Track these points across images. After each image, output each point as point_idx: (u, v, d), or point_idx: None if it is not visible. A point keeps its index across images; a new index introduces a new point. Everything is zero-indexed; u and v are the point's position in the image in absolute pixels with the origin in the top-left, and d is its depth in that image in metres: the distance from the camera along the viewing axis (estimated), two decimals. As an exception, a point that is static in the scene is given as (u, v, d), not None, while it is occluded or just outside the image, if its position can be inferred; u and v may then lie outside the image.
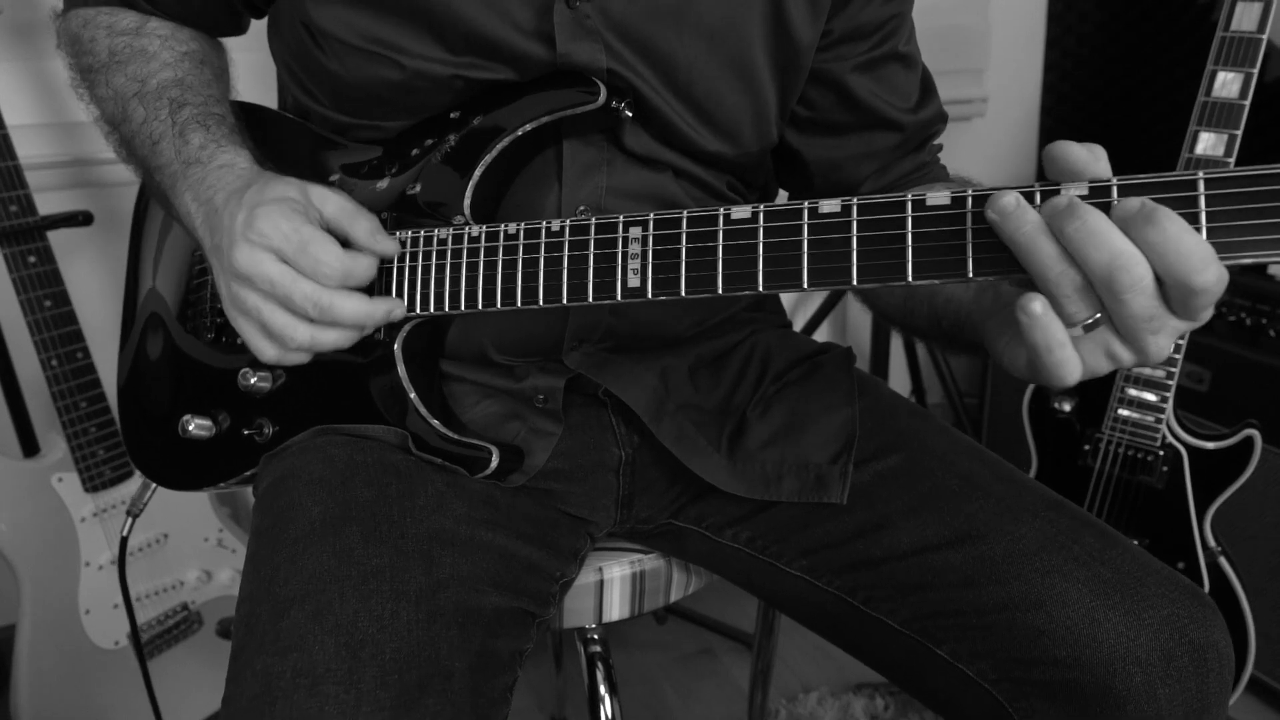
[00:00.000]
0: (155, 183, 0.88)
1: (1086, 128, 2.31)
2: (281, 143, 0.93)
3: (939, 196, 0.63)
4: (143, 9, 0.93)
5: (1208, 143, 1.27)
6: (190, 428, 0.87)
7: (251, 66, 1.07)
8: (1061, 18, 2.25)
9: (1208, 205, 0.56)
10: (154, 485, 0.98)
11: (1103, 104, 2.27)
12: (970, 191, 0.62)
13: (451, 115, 0.84)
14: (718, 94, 0.86)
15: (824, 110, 0.93)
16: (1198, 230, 0.55)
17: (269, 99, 1.00)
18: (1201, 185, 0.56)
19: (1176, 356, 1.36)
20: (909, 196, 0.63)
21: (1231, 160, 1.26)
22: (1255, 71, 1.24)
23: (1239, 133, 1.25)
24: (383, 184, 0.85)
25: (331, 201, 0.78)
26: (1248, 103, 1.25)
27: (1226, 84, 1.25)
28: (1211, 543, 1.42)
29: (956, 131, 2.30)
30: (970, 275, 0.61)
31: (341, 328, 0.76)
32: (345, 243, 0.78)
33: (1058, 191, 0.59)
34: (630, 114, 0.83)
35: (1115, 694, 0.72)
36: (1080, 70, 2.28)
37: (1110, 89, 2.24)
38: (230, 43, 1.03)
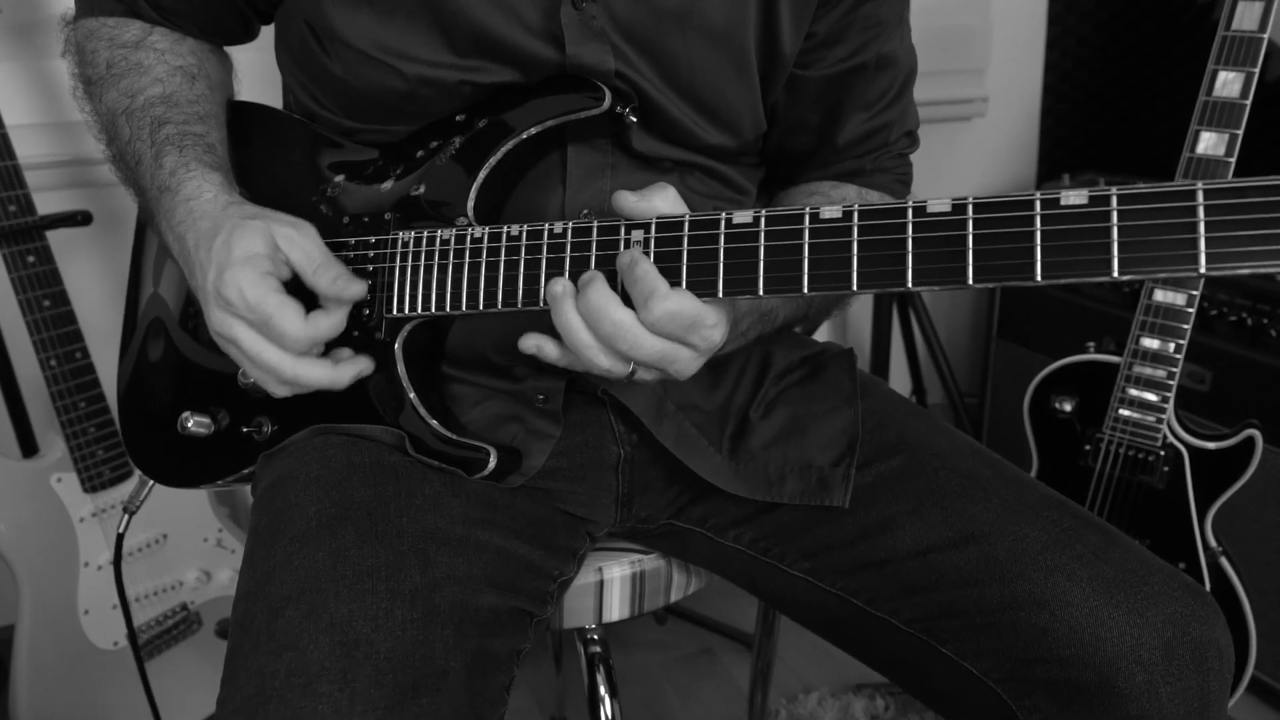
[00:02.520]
0: (142, 204, 0.90)
1: (1087, 128, 2.31)
2: (284, 144, 0.93)
3: (939, 203, 0.63)
4: (150, 19, 0.93)
5: (1209, 142, 1.27)
6: (189, 425, 0.87)
7: (253, 66, 1.07)
8: (1061, 18, 2.25)
9: (1206, 215, 0.56)
10: (151, 482, 0.98)
11: (1103, 104, 2.27)
12: (971, 199, 0.62)
13: (457, 118, 0.84)
14: (721, 90, 0.86)
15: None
16: (1195, 240, 0.56)
17: (272, 99, 0.99)
18: (1200, 196, 0.56)
19: (1178, 357, 1.36)
20: (910, 203, 0.64)
21: (1232, 160, 1.25)
22: (1256, 71, 1.24)
23: (1240, 132, 1.25)
24: (387, 185, 0.85)
25: (297, 249, 0.79)
26: (1249, 102, 1.24)
27: (1227, 83, 1.25)
28: (1212, 543, 1.42)
29: (957, 131, 2.30)
30: (970, 282, 0.62)
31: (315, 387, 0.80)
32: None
33: (1057, 200, 0.60)
34: (635, 119, 0.83)
35: (1118, 692, 0.73)
36: (1080, 70, 2.28)
37: (1110, 89, 2.24)
38: (234, 49, 1.02)
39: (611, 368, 0.73)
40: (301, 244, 0.79)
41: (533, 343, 0.75)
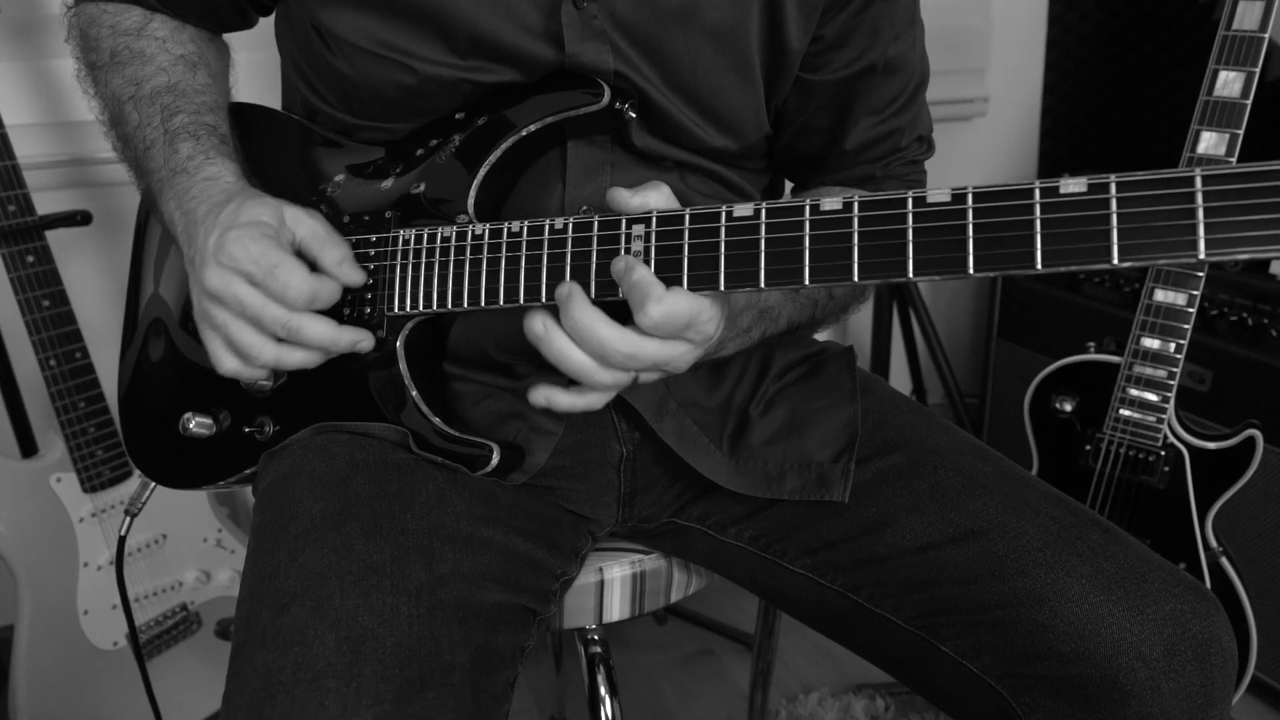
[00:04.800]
0: (146, 186, 0.90)
1: (1087, 127, 2.32)
2: (282, 144, 0.93)
3: (939, 193, 0.63)
4: (148, 4, 0.94)
5: (1209, 142, 1.27)
6: (191, 425, 0.87)
7: (253, 66, 1.07)
8: (1061, 18, 2.26)
9: (1205, 201, 0.56)
10: (153, 484, 0.98)
11: (1103, 104, 2.27)
12: (970, 189, 0.62)
13: (457, 116, 0.85)
14: (723, 93, 0.86)
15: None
16: (1194, 226, 0.56)
17: (270, 99, 1.00)
18: (1199, 182, 0.57)
19: (1178, 357, 1.36)
20: (910, 194, 0.64)
21: (1233, 160, 1.25)
22: (1257, 70, 1.24)
23: (1240, 132, 1.25)
24: (387, 183, 0.85)
25: (305, 225, 0.80)
26: (1249, 102, 1.25)
27: (1228, 83, 1.25)
28: (1213, 543, 1.42)
29: (957, 131, 2.30)
30: (971, 272, 0.62)
31: (307, 349, 0.79)
32: (315, 266, 0.80)
33: (1056, 188, 0.60)
34: (634, 115, 0.83)
35: (1119, 688, 0.72)
36: (1080, 70, 2.28)
37: (1111, 89, 2.24)
38: (233, 42, 1.03)
39: (615, 381, 0.73)
40: (310, 222, 0.80)
41: (541, 396, 0.76)
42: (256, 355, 0.78)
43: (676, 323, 0.69)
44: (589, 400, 0.76)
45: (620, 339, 0.70)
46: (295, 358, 0.79)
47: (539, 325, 0.72)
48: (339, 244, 0.80)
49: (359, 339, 0.80)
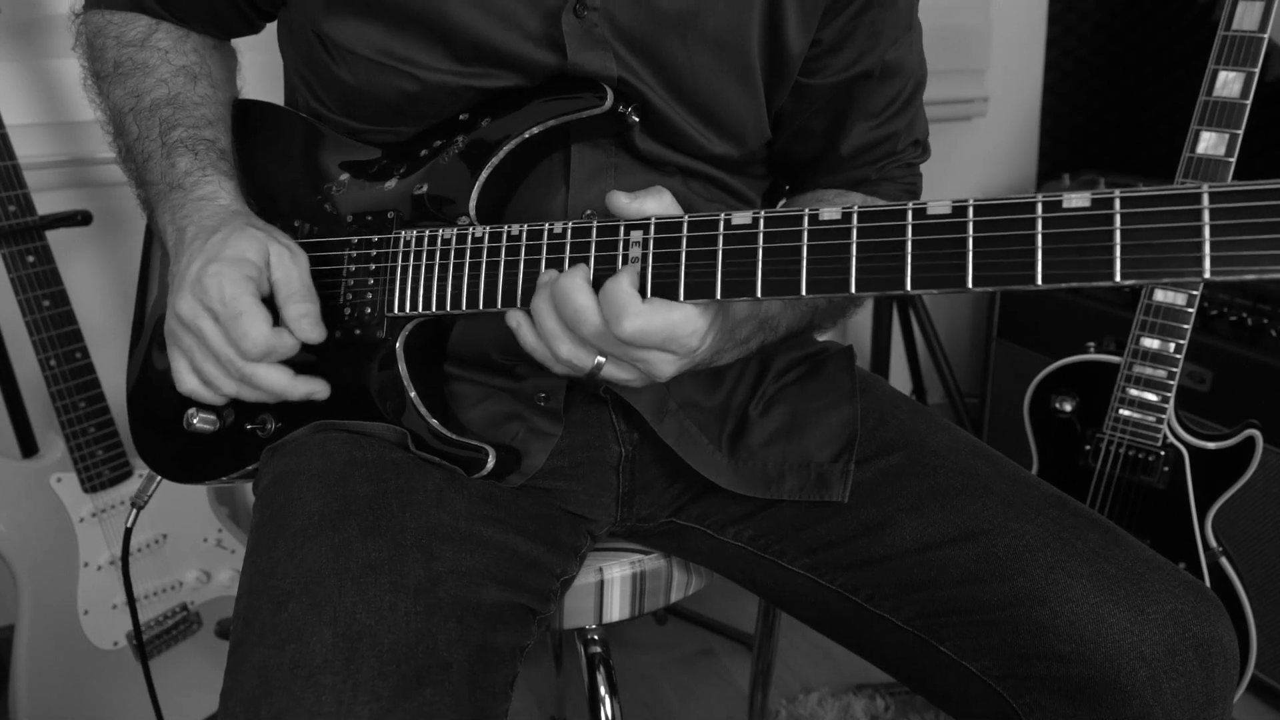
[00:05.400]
0: (144, 196, 0.92)
1: (1087, 128, 2.32)
2: (287, 142, 0.94)
3: (940, 205, 0.63)
4: (154, 13, 0.95)
5: (1209, 142, 1.27)
6: (195, 421, 0.88)
7: (259, 68, 1.07)
8: (1061, 18, 2.26)
9: (1211, 219, 0.55)
10: (159, 478, 0.98)
11: (1103, 104, 2.27)
12: (971, 201, 0.62)
13: (461, 118, 0.85)
14: (724, 100, 0.86)
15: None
16: (1200, 244, 0.55)
17: (274, 99, 0.99)
18: (1205, 199, 0.55)
19: (1178, 356, 1.36)
20: (910, 206, 0.64)
21: (1233, 160, 1.25)
22: (1256, 71, 1.24)
23: (1240, 132, 1.25)
24: (390, 184, 0.86)
25: (280, 270, 0.82)
26: (1249, 102, 1.25)
27: (1228, 83, 1.25)
28: (1213, 543, 1.42)
29: (957, 131, 2.30)
30: (970, 286, 0.62)
31: (265, 392, 0.82)
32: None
33: (1059, 202, 0.59)
34: (638, 119, 0.83)
35: (1120, 689, 0.72)
36: (1080, 70, 2.28)
37: (1110, 89, 2.24)
38: (239, 44, 1.03)
39: (572, 357, 0.73)
40: (289, 267, 0.82)
41: (514, 320, 0.76)
42: (219, 386, 0.82)
43: (652, 338, 0.70)
44: (544, 350, 0.75)
45: (594, 309, 0.70)
46: (252, 396, 0.82)
47: (546, 275, 0.74)
48: (305, 298, 0.82)
49: (314, 389, 0.83)
